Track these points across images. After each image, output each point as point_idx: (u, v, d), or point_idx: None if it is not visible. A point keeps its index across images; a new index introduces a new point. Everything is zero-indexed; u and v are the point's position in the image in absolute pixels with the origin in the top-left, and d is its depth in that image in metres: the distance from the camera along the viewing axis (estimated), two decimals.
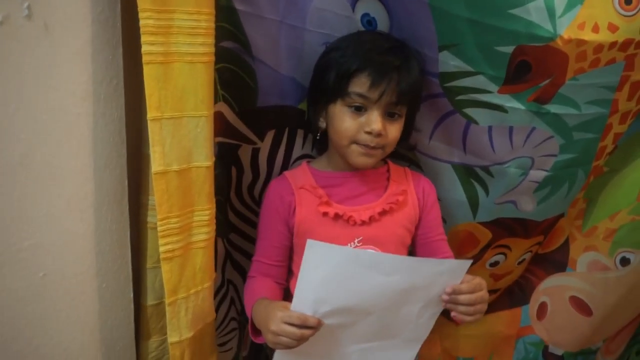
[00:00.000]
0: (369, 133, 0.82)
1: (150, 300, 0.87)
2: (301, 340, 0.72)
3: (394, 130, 0.85)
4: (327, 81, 0.84)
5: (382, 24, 0.92)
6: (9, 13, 0.58)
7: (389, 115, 0.84)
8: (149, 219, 0.83)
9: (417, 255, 0.95)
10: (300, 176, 0.91)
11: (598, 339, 1.19)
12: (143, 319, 0.89)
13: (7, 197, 0.64)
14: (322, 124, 0.89)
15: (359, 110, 0.83)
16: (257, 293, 0.86)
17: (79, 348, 0.79)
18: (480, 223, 1.04)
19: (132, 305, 0.86)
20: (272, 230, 0.90)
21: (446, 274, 0.76)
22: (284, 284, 0.93)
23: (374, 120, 0.82)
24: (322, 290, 0.72)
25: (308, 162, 0.95)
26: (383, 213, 0.88)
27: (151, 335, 0.90)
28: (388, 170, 0.94)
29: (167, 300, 0.79)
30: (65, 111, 0.67)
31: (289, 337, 0.71)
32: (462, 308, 0.76)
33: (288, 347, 0.73)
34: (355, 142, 0.84)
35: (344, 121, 0.83)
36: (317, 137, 0.93)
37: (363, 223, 0.87)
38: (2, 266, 0.65)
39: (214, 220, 0.83)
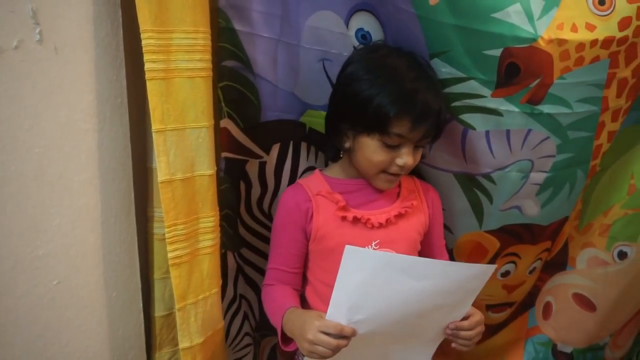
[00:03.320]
0: (401, 166, 0.86)
1: (160, 312, 0.90)
2: (336, 350, 0.74)
3: (418, 157, 0.89)
4: (363, 115, 0.83)
5: (376, 37, 0.96)
6: (22, 38, 0.64)
7: (416, 146, 0.87)
8: (156, 230, 0.87)
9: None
10: (315, 183, 0.93)
11: (604, 334, 1.18)
12: (154, 331, 0.92)
13: (23, 208, 0.69)
14: (347, 144, 0.89)
15: (394, 146, 0.85)
16: (283, 301, 0.87)
17: (92, 357, 0.82)
18: (487, 232, 1.05)
19: (141, 316, 0.89)
20: (289, 238, 0.91)
21: (472, 278, 0.78)
22: (300, 291, 0.95)
23: (407, 154, 0.85)
24: (358, 297, 0.75)
25: (320, 170, 0.97)
26: (399, 216, 0.91)
27: (163, 346, 0.92)
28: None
29: (177, 306, 0.82)
30: (74, 127, 0.72)
31: (325, 346, 0.74)
32: (461, 341, 0.84)
33: (323, 357, 0.75)
34: (384, 171, 0.87)
35: (378, 155, 0.85)
36: (341, 156, 0.94)
37: (380, 226, 0.89)
38: (19, 273, 0.69)
39: (219, 227, 0.86)
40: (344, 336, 0.74)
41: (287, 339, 0.84)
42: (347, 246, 0.72)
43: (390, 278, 0.74)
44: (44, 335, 0.74)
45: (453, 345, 0.84)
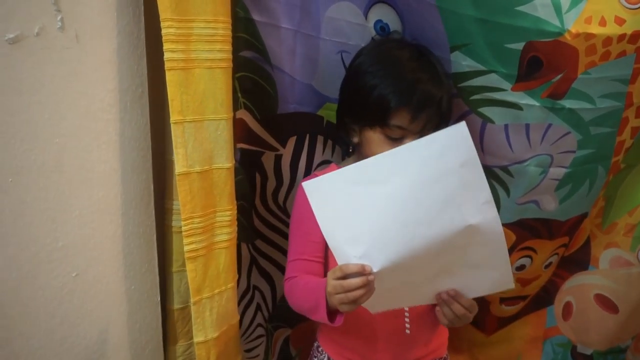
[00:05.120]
0: None
1: (176, 304, 0.90)
2: (366, 286, 0.72)
3: None
4: (365, 108, 0.84)
5: (395, 29, 0.95)
6: (44, 25, 0.63)
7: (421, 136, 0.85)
8: (174, 223, 0.86)
9: None
10: None
11: (626, 336, 1.16)
12: (170, 323, 0.92)
13: (43, 199, 0.68)
14: (355, 139, 0.90)
15: (397, 139, 0.84)
16: (317, 281, 0.82)
17: (110, 350, 0.81)
18: (503, 225, 1.03)
19: (159, 308, 0.89)
20: (309, 226, 0.88)
21: (447, 149, 0.70)
22: None
23: None
24: (345, 227, 0.72)
25: (337, 164, 0.97)
26: None
27: (178, 339, 0.92)
28: None
29: (192, 300, 0.82)
30: (94, 117, 0.72)
31: (353, 288, 0.72)
32: (447, 310, 0.81)
33: (360, 300, 0.73)
34: None
35: (382, 148, 0.83)
36: (350, 151, 0.94)
37: None
38: (38, 264, 0.69)
39: (236, 221, 0.86)
40: (367, 273, 0.72)
41: (333, 315, 0.80)
42: (302, 183, 0.72)
43: (359, 192, 0.71)
44: (62, 327, 0.74)
45: (437, 309, 0.82)
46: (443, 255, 0.75)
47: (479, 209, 0.72)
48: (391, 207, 0.72)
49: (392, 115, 0.82)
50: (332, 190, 0.73)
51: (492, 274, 0.78)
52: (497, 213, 0.74)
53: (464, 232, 0.73)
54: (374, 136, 0.85)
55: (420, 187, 0.71)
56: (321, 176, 0.75)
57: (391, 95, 0.82)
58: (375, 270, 0.72)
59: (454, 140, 0.70)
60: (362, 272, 0.72)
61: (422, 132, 0.83)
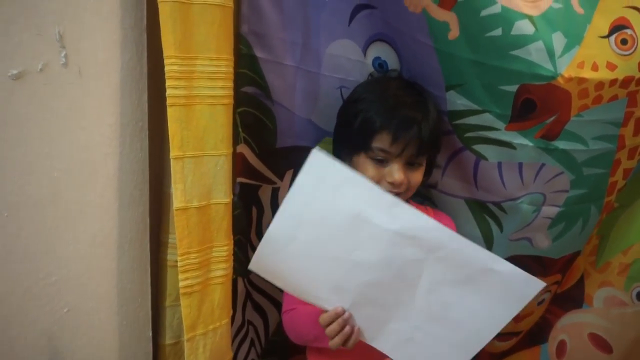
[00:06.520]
0: (391, 183, 0.85)
1: (168, 340, 0.88)
2: (344, 328, 0.76)
3: (416, 177, 0.88)
4: (352, 133, 0.87)
5: (393, 67, 0.97)
6: (48, 61, 0.63)
7: (409, 163, 0.87)
8: (169, 256, 0.85)
9: None
10: None
11: None
12: (161, 358, 0.89)
13: (38, 233, 0.67)
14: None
15: (382, 162, 0.86)
16: (316, 314, 0.82)
17: None
18: None
19: (150, 344, 0.87)
20: None
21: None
22: None
23: (396, 171, 0.85)
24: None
25: None
26: None
27: None
28: None
29: (185, 336, 0.80)
30: (94, 151, 0.71)
31: (337, 332, 0.77)
32: None
33: (347, 340, 0.77)
34: None
35: (367, 171, 0.86)
36: None
37: None
38: (30, 300, 0.67)
39: (232, 257, 0.85)
40: (341, 317, 0.76)
41: None
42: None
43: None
44: None
45: None
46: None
47: (391, 216, 0.73)
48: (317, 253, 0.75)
49: (374, 138, 0.84)
50: (270, 263, 0.75)
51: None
52: (409, 208, 0.74)
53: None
54: (359, 162, 0.87)
55: (324, 220, 0.73)
56: (255, 254, 0.76)
57: (374, 117, 0.85)
58: (347, 306, 0.75)
59: (317, 169, 0.72)
60: (335, 316, 0.76)
61: (402, 156, 0.85)
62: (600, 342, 1.11)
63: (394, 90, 0.90)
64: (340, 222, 0.72)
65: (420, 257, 0.73)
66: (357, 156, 0.88)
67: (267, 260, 0.76)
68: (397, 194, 0.87)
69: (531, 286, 0.72)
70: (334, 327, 0.76)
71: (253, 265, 0.76)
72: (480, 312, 0.74)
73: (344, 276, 0.75)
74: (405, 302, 0.76)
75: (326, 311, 0.77)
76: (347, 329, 0.77)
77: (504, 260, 0.73)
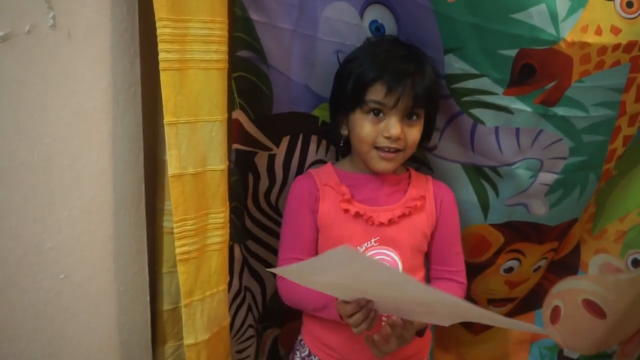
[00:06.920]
0: (388, 138, 0.85)
1: (166, 305, 0.89)
2: (370, 316, 0.77)
3: (413, 133, 0.87)
4: (346, 91, 0.87)
5: (390, 30, 0.95)
6: (35, 23, 0.62)
7: (407, 117, 0.86)
8: (165, 223, 0.85)
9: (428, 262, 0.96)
10: (325, 174, 0.93)
11: (613, 342, 1.18)
12: (159, 324, 0.90)
13: (31, 199, 0.67)
14: (345, 131, 0.92)
15: (378, 115, 0.85)
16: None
17: (97, 351, 0.80)
18: (492, 225, 1.04)
19: (148, 310, 0.87)
20: (302, 223, 0.91)
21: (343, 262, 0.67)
22: None
23: (392, 125, 0.84)
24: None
25: (332, 163, 0.97)
26: (402, 216, 0.90)
27: (167, 340, 0.91)
28: (409, 177, 0.95)
29: (183, 302, 0.81)
30: (86, 116, 0.70)
31: (361, 321, 0.78)
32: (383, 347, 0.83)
33: (369, 326, 0.78)
34: (376, 147, 0.86)
35: (364, 127, 0.86)
36: (341, 145, 0.95)
37: (381, 224, 0.88)
38: (25, 267, 0.67)
39: (228, 223, 0.85)
40: (365, 307, 0.77)
41: None
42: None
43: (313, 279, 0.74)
44: (48, 330, 0.73)
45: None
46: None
47: (417, 294, 0.72)
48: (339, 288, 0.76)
49: (368, 91, 0.84)
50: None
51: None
52: (440, 294, 0.70)
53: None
54: (356, 118, 0.87)
55: (348, 278, 0.70)
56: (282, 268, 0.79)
57: (366, 71, 0.84)
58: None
59: (342, 258, 0.65)
60: (358, 308, 0.77)
61: (397, 108, 0.84)
62: (594, 308, 1.13)
63: (387, 46, 0.90)
64: (365, 281, 0.72)
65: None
66: (353, 114, 0.87)
67: (295, 273, 0.77)
68: (397, 151, 0.87)
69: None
70: (358, 317, 0.77)
71: (280, 272, 0.78)
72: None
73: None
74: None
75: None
76: (372, 314, 0.78)
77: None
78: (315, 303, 0.88)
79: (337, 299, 0.82)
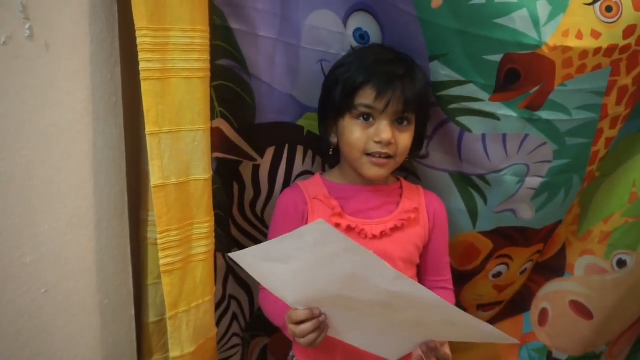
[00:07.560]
0: (379, 142, 0.83)
1: (151, 317, 0.88)
2: (317, 329, 0.75)
3: (404, 139, 0.86)
4: (335, 97, 0.86)
5: (375, 37, 0.94)
6: (11, 34, 0.61)
7: (398, 122, 0.85)
8: (149, 234, 0.84)
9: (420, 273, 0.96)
10: (314, 187, 0.91)
11: (601, 342, 1.19)
12: (145, 337, 0.89)
13: (11, 212, 0.66)
14: (334, 139, 0.90)
15: (367, 120, 0.84)
16: (281, 306, 0.81)
17: None
18: (481, 233, 1.05)
19: (133, 323, 0.86)
20: None
21: (321, 241, 0.66)
22: None
23: (383, 129, 0.83)
24: (278, 283, 0.74)
25: (321, 174, 0.95)
26: (395, 229, 0.88)
27: (153, 353, 0.90)
28: (401, 187, 0.94)
29: (168, 314, 0.80)
30: (66, 128, 0.69)
31: (307, 333, 0.75)
32: None
33: (316, 340, 0.75)
34: (367, 153, 0.85)
35: (354, 133, 0.84)
36: (330, 153, 0.93)
37: (374, 237, 0.86)
38: (6, 281, 0.66)
39: (213, 233, 0.84)
40: (315, 316, 0.75)
41: None
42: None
43: (271, 266, 0.71)
44: (30, 344, 0.71)
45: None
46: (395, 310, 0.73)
47: (392, 282, 0.69)
48: (302, 279, 0.72)
49: (357, 95, 0.83)
50: (252, 262, 0.73)
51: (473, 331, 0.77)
52: (412, 283, 0.70)
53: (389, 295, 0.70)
54: (345, 123, 0.85)
55: (316, 266, 0.69)
56: (243, 251, 0.72)
57: (355, 75, 0.83)
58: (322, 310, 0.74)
59: (319, 235, 0.65)
60: (311, 316, 0.74)
61: (387, 112, 0.82)
62: (581, 309, 1.13)
63: (375, 50, 0.89)
64: (333, 273, 0.69)
65: (412, 311, 0.73)
66: (342, 120, 0.86)
67: (251, 260, 0.74)
68: (388, 157, 0.85)
69: (506, 339, 0.76)
70: (308, 326, 0.74)
71: (236, 257, 0.73)
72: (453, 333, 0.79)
73: (323, 295, 0.74)
74: (382, 314, 0.75)
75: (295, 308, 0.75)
76: (323, 326, 0.75)
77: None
78: (278, 321, 0.86)
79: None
